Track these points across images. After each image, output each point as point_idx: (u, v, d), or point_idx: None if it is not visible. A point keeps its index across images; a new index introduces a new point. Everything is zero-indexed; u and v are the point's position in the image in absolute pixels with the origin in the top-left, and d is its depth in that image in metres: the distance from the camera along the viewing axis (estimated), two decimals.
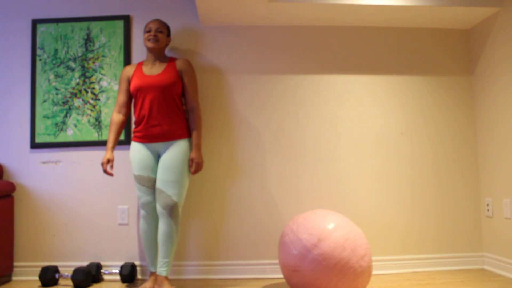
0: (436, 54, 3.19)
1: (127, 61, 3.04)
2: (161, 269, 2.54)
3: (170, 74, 2.65)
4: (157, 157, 2.67)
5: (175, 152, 2.60)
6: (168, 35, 2.79)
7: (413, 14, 2.94)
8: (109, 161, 2.64)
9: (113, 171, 3.00)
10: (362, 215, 3.04)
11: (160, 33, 2.70)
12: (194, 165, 2.62)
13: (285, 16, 2.98)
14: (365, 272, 2.29)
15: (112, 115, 2.73)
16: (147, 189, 2.61)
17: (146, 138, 2.64)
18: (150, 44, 2.69)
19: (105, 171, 2.63)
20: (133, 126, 3.02)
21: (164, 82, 2.62)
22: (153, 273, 2.67)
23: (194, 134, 2.66)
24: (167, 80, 2.63)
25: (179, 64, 2.72)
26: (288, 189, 3.04)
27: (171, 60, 2.75)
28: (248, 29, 3.11)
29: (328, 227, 2.33)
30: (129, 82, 2.73)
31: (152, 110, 2.61)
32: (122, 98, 2.74)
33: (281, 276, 2.93)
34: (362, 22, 3.10)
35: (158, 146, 2.64)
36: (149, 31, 2.70)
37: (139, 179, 2.63)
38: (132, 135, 2.73)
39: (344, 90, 3.12)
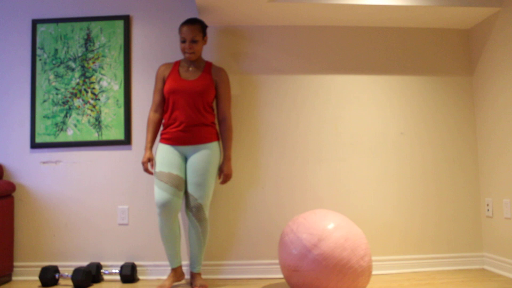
0: (436, 54, 3.19)
1: (127, 61, 3.04)
2: (193, 266, 2.71)
3: (206, 82, 2.68)
4: (184, 158, 2.69)
5: (202, 155, 2.64)
6: (204, 35, 2.73)
7: (413, 14, 2.94)
8: (149, 160, 2.67)
9: (113, 172, 3.00)
10: (362, 215, 3.04)
11: (195, 43, 2.66)
12: (223, 177, 2.73)
13: (285, 16, 2.98)
14: (365, 272, 2.29)
15: (149, 115, 2.76)
16: (165, 184, 2.59)
17: (174, 141, 2.66)
18: (187, 57, 2.70)
19: (146, 170, 2.67)
20: (133, 125, 3.02)
21: (199, 88, 2.64)
22: (172, 270, 2.70)
23: (225, 145, 2.74)
24: (202, 87, 2.65)
25: (215, 73, 2.73)
26: (288, 189, 3.04)
27: (207, 66, 2.75)
28: (248, 29, 3.11)
29: (328, 227, 2.33)
30: (164, 81, 2.73)
31: (183, 115, 2.63)
32: (157, 97, 2.76)
33: (281, 276, 2.93)
34: (362, 22, 3.10)
35: (185, 149, 2.67)
36: (183, 42, 2.67)
37: (158, 175, 2.62)
38: (160, 136, 2.74)
39: (344, 90, 3.12)
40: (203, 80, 2.68)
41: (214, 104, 2.87)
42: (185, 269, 2.93)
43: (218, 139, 2.75)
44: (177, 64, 2.76)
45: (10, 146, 3.02)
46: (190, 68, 2.72)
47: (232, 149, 3.03)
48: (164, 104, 2.75)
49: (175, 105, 2.65)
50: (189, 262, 2.76)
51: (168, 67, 2.76)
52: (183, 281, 2.83)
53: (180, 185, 2.62)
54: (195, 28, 2.66)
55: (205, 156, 2.64)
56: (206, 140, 2.67)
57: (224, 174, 2.73)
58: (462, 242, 3.09)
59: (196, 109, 2.64)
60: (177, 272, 2.71)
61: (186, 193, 2.67)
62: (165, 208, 2.59)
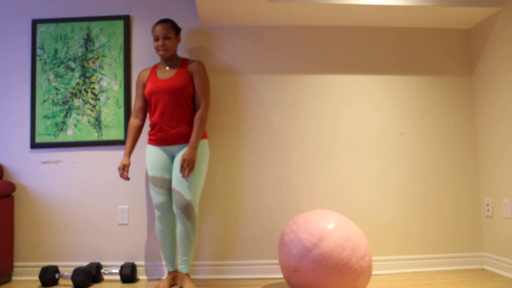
0: (436, 54, 3.19)
1: (127, 61, 3.04)
2: (181, 266, 2.64)
3: (182, 78, 2.67)
4: (172, 158, 2.70)
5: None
6: (177, 34, 2.76)
7: (413, 14, 2.94)
8: (125, 166, 2.67)
9: (113, 172, 3.00)
10: (362, 215, 3.04)
11: (168, 39, 2.68)
12: (185, 163, 2.56)
13: (285, 16, 2.98)
14: (365, 272, 2.29)
15: (130, 121, 2.77)
16: (159, 189, 2.65)
17: (160, 141, 2.67)
18: (160, 55, 2.71)
19: (121, 176, 2.67)
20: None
21: (175, 86, 2.64)
22: (170, 273, 2.72)
23: (193, 131, 2.62)
24: (178, 83, 2.65)
25: (191, 66, 2.72)
26: (288, 189, 3.04)
27: (183, 62, 2.75)
28: (248, 29, 3.11)
29: (328, 227, 2.33)
30: (144, 86, 2.75)
31: (165, 114, 2.64)
32: (138, 103, 2.77)
33: (281, 276, 2.93)
34: (362, 22, 3.10)
35: (172, 148, 2.67)
36: (156, 40, 2.69)
37: (152, 180, 2.67)
38: (148, 138, 2.76)
39: (344, 90, 3.12)
40: (179, 76, 2.68)
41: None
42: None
43: (206, 137, 2.72)
44: (155, 67, 2.78)
45: (10, 146, 3.02)
46: (167, 68, 2.74)
47: (233, 149, 3.03)
48: (145, 109, 2.78)
49: (157, 105, 2.66)
50: (168, 263, 2.72)
51: (147, 71, 2.78)
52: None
53: (167, 186, 2.67)
54: (167, 26, 2.69)
55: None
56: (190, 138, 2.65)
57: (184, 160, 2.55)
58: (462, 242, 3.09)
59: (179, 106, 2.64)
60: (174, 275, 2.73)
61: (172, 191, 2.63)
62: (164, 210, 2.65)
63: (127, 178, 2.68)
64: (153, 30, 2.72)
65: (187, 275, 2.65)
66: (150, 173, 2.68)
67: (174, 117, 2.64)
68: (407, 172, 3.10)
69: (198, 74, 2.71)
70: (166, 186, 2.66)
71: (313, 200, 3.04)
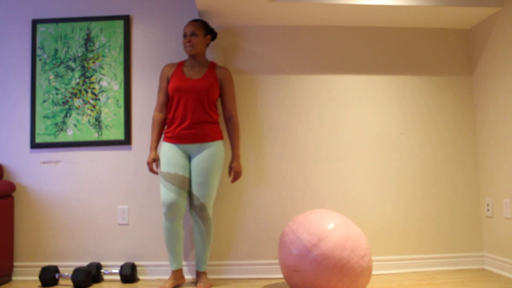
0: (436, 54, 3.19)
1: (127, 61, 3.04)
2: (197, 265, 2.73)
3: (210, 81, 2.70)
4: (188, 157, 2.71)
5: (206, 154, 2.66)
6: (207, 33, 2.77)
7: (413, 14, 2.94)
8: (154, 160, 2.69)
9: (113, 172, 3.00)
10: (362, 215, 3.04)
11: (195, 36, 2.71)
12: (234, 174, 2.72)
13: (285, 16, 2.98)
14: (365, 272, 2.29)
15: (154, 114, 2.77)
16: (172, 186, 2.62)
17: (177, 139, 2.67)
18: (187, 51, 2.73)
19: (151, 170, 2.69)
20: (133, 125, 3.02)
21: (204, 87, 2.66)
22: (173, 272, 2.71)
23: (233, 143, 2.76)
24: (207, 85, 2.67)
25: (219, 72, 2.76)
26: (288, 189, 3.04)
27: (212, 65, 2.78)
28: (248, 29, 3.11)
29: (328, 227, 2.33)
30: (168, 81, 2.76)
31: (187, 113, 2.65)
32: (162, 97, 2.78)
33: (281, 276, 2.93)
34: (362, 22, 3.10)
35: (189, 147, 2.68)
36: (184, 36, 2.73)
37: (166, 176, 2.64)
38: (164, 135, 2.75)
39: (344, 90, 3.12)
40: (208, 78, 2.70)
41: (217, 103, 2.89)
42: (185, 269, 2.93)
43: (222, 138, 2.75)
44: (181, 64, 2.79)
45: (10, 146, 3.02)
46: (195, 67, 2.75)
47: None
48: (168, 104, 2.77)
49: (179, 103, 2.66)
50: (195, 261, 2.79)
51: (172, 67, 2.78)
52: (183, 284, 2.80)
53: (185, 185, 2.66)
54: (196, 24, 2.73)
55: (209, 155, 2.65)
56: (210, 138, 2.68)
57: (234, 171, 2.75)
58: (462, 242, 3.09)
59: (201, 107, 2.66)
60: (178, 275, 2.72)
61: (189, 192, 2.69)
62: (172, 208, 2.61)
63: (156, 172, 2.70)
64: (183, 29, 2.78)
65: (204, 273, 2.74)
66: (164, 169, 2.65)
67: (196, 117, 2.65)
68: (407, 172, 3.10)
69: (228, 81, 2.77)
70: (178, 183, 2.62)
71: (313, 200, 3.04)
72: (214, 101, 2.74)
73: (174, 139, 2.68)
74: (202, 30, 2.74)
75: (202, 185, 2.63)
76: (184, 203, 2.65)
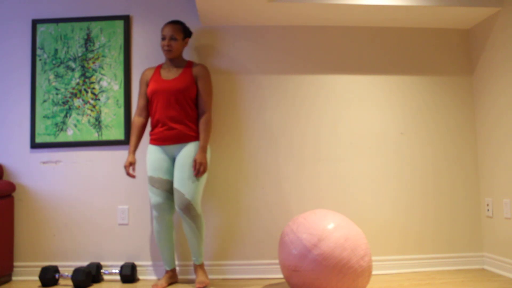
0: (436, 54, 3.19)
1: (127, 61, 3.04)
2: (193, 259, 2.72)
3: (185, 79, 2.70)
4: (172, 160, 2.72)
5: (189, 151, 2.66)
6: (185, 37, 2.79)
7: (413, 14, 2.94)
8: (131, 164, 2.69)
9: (113, 172, 3.00)
10: (362, 215, 3.04)
11: (174, 40, 2.71)
12: (197, 165, 2.63)
13: (285, 16, 2.98)
14: (365, 272, 2.29)
15: (133, 119, 2.78)
16: (156, 190, 2.66)
17: (161, 141, 2.69)
18: (164, 53, 2.74)
19: (128, 174, 2.69)
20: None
21: (178, 86, 2.66)
22: (167, 271, 2.74)
23: (201, 135, 2.69)
24: (182, 85, 2.67)
25: (195, 70, 2.75)
26: (288, 189, 3.04)
27: (188, 64, 2.78)
28: (248, 29, 3.11)
29: (328, 227, 2.33)
30: (147, 85, 2.77)
31: (166, 114, 2.66)
32: (141, 101, 2.79)
33: (281, 276, 2.93)
34: (362, 22, 3.10)
35: (173, 148, 2.69)
36: (163, 39, 2.72)
37: (150, 180, 2.69)
38: (149, 137, 2.76)
39: (344, 90, 3.12)
40: (183, 77, 2.70)
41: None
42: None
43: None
44: (159, 66, 2.80)
45: (10, 146, 3.02)
46: (171, 69, 2.76)
47: (233, 149, 3.03)
48: (148, 108, 2.78)
49: (158, 105, 2.68)
50: (166, 263, 2.75)
51: (151, 71, 2.80)
52: (177, 283, 2.81)
53: (170, 188, 2.69)
54: (175, 27, 2.73)
55: (191, 152, 2.66)
56: (192, 138, 2.69)
57: (197, 163, 2.60)
58: (462, 242, 3.09)
59: (180, 107, 2.66)
60: (172, 274, 2.76)
61: (173, 191, 2.66)
62: (160, 210, 2.66)
63: (133, 176, 2.70)
64: (162, 29, 2.75)
65: (200, 266, 2.72)
66: (149, 173, 2.70)
67: (175, 117, 2.66)
68: (407, 172, 3.10)
69: (202, 78, 2.74)
70: (163, 187, 2.67)
71: (313, 200, 3.04)
72: (192, 99, 2.72)
73: (158, 141, 2.70)
74: (181, 34, 2.74)
75: (185, 179, 2.60)
76: (170, 205, 2.69)
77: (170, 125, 2.66)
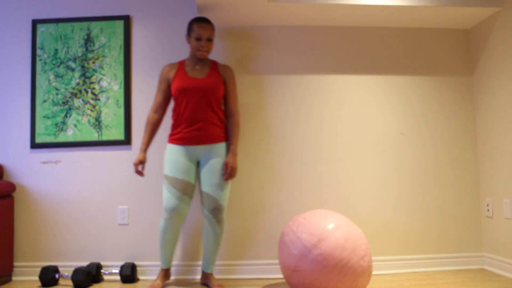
0: (436, 54, 3.19)
1: (127, 61, 3.04)
2: (207, 267, 2.70)
3: (215, 79, 2.65)
4: (195, 161, 2.65)
5: (218, 155, 2.62)
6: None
7: (413, 14, 2.94)
8: (141, 162, 2.62)
9: (113, 172, 3.00)
10: (362, 215, 3.04)
11: (210, 41, 2.65)
12: (229, 169, 2.59)
13: (285, 16, 2.98)
14: (365, 272, 2.29)
15: (149, 115, 2.71)
16: (177, 192, 2.56)
17: (185, 141, 2.61)
18: (199, 55, 2.64)
19: (137, 172, 2.62)
20: (133, 125, 3.02)
21: (209, 86, 2.61)
22: (162, 270, 2.72)
23: (231, 139, 2.66)
24: (212, 84, 2.62)
25: (222, 70, 2.72)
26: (288, 189, 3.04)
27: (213, 64, 2.73)
28: (248, 29, 3.11)
29: (328, 227, 2.33)
30: (169, 82, 2.70)
31: (193, 113, 2.59)
32: (160, 98, 2.71)
33: (281, 276, 2.93)
34: (362, 22, 3.10)
35: (197, 149, 2.62)
36: (198, 39, 2.61)
37: (172, 181, 2.58)
38: (169, 137, 2.69)
39: (344, 90, 3.12)
40: (212, 77, 2.65)
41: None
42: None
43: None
44: (182, 63, 2.72)
45: (10, 146, 3.02)
46: (197, 67, 2.69)
47: None
48: (165, 106, 2.74)
49: (185, 104, 2.60)
50: (163, 262, 2.70)
51: (173, 67, 2.71)
52: (170, 280, 2.87)
53: (189, 191, 2.61)
54: (211, 28, 2.65)
55: (222, 155, 2.63)
56: (219, 139, 2.65)
57: (229, 167, 2.58)
58: (462, 242, 3.09)
59: (209, 107, 2.61)
60: (167, 272, 2.75)
61: (202, 194, 2.62)
62: (174, 214, 2.57)
63: (142, 174, 2.63)
64: (193, 27, 2.62)
65: (211, 274, 2.72)
66: (170, 174, 2.58)
67: (204, 117, 2.60)
68: (407, 172, 3.10)
69: (230, 79, 2.72)
70: (183, 189, 2.57)
71: (313, 200, 3.04)
72: (220, 99, 2.68)
73: (182, 141, 2.61)
74: (214, 34, 2.69)
75: (219, 186, 2.58)
76: (186, 209, 2.60)
77: (199, 125, 2.59)
